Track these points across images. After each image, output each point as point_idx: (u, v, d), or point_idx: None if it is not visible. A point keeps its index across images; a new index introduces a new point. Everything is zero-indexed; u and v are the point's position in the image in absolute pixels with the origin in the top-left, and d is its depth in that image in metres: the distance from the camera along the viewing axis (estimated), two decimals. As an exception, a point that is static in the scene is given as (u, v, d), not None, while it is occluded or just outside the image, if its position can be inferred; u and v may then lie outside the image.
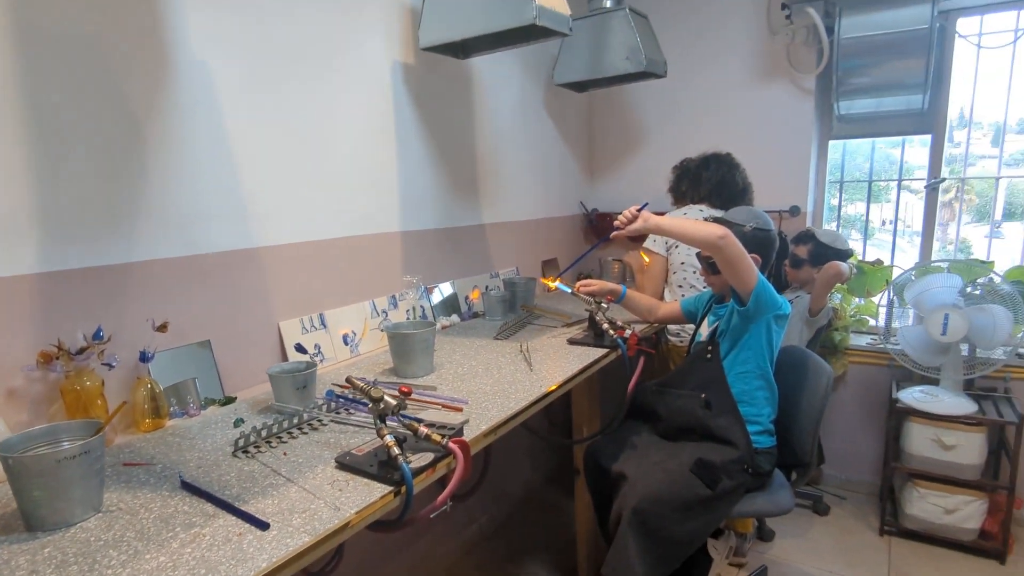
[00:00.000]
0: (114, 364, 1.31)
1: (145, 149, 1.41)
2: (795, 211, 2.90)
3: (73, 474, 0.96)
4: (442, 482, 1.17)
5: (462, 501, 2.39)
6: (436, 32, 1.95)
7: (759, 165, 2.70)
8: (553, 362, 1.77)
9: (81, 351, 1.26)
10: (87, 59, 1.30)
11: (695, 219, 1.85)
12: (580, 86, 2.91)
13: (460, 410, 1.40)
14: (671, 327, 2.39)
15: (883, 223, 3.09)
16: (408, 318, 2.13)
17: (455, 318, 2.31)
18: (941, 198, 2.81)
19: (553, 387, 1.56)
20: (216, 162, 1.56)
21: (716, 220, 1.81)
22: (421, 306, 2.21)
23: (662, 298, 2.43)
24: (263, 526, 0.94)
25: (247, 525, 0.95)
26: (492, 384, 1.59)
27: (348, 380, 1.22)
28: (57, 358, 1.24)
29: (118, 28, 1.34)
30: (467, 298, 2.46)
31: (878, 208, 3.06)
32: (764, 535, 2.59)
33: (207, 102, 1.53)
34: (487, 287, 2.52)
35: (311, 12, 1.78)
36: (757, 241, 1.76)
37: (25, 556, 0.89)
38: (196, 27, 1.49)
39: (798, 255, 2.61)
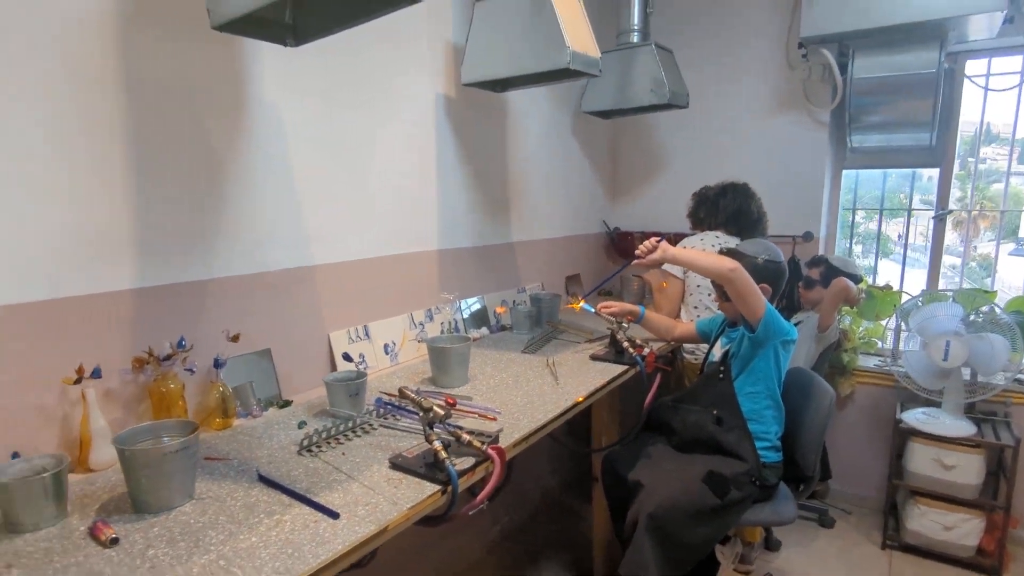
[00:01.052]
0: (194, 370, 1.49)
1: (224, 179, 1.60)
2: (808, 236, 3.04)
3: (174, 466, 1.14)
4: (471, 486, 1.33)
5: (490, 502, 2.55)
6: (477, 71, 2.12)
7: (774, 192, 2.84)
8: (577, 377, 1.93)
9: (168, 358, 1.45)
10: (179, 103, 1.49)
11: (709, 251, 2.00)
12: (605, 114, 3.08)
13: (494, 419, 1.57)
14: (686, 345, 2.54)
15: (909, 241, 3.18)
16: (443, 331, 2.30)
17: (485, 331, 2.48)
18: (965, 215, 2.92)
19: (579, 400, 1.72)
20: (281, 189, 1.75)
21: (729, 251, 1.96)
22: (455, 319, 2.39)
23: (678, 318, 2.57)
24: (334, 515, 1.11)
25: (320, 514, 1.12)
26: (522, 396, 1.76)
27: (400, 391, 1.39)
28: (148, 363, 1.43)
29: (204, 75, 1.53)
30: (495, 312, 2.63)
31: (902, 225, 3.16)
32: (771, 545, 2.72)
33: (276, 137, 1.72)
34: (514, 302, 2.68)
35: (368, 52, 1.96)
36: (767, 272, 1.91)
37: (139, 533, 1.06)
38: (270, 71, 1.68)
39: (811, 277, 2.75)
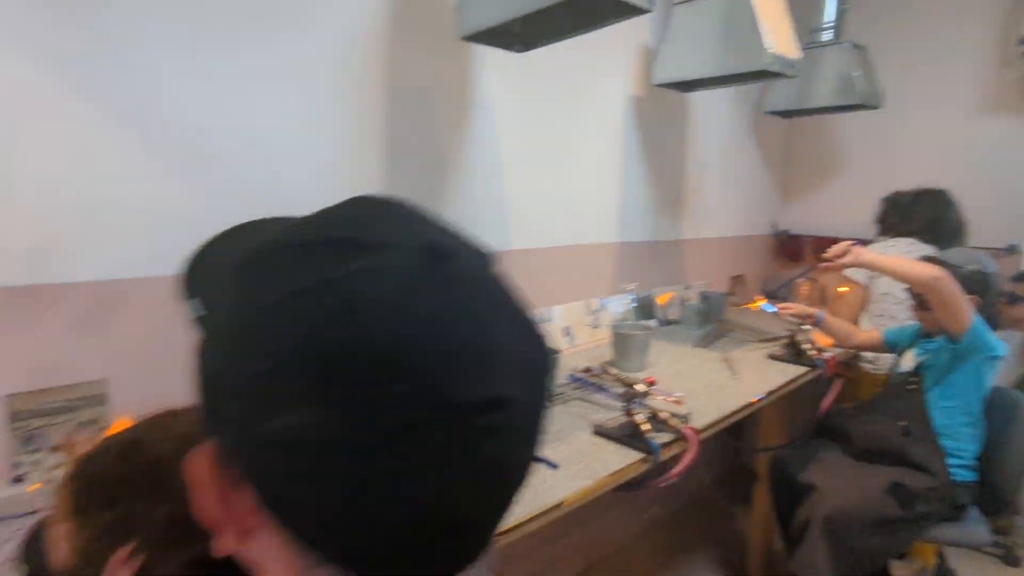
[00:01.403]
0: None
1: (446, 170, 1.82)
2: (1012, 250, 2.79)
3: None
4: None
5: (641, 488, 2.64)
6: (669, 71, 2.20)
7: (974, 200, 2.63)
8: (756, 374, 1.96)
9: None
10: (420, 104, 1.72)
11: (907, 258, 1.93)
12: (787, 113, 3.02)
13: (681, 403, 1.66)
14: (865, 354, 2.45)
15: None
16: (614, 320, 2.42)
17: (653, 323, 2.56)
18: None
19: (753, 401, 1.76)
20: (490, 180, 1.95)
21: (931, 259, 1.89)
22: (627, 309, 2.49)
23: (855, 325, 2.49)
24: (554, 466, 1.27)
25: (541, 464, 1.28)
26: (702, 386, 1.83)
27: (603, 367, 1.53)
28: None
29: (438, 81, 1.76)
30: (658, 304, 2.69)
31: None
32: (943, 574, 2.56)
33: (490, 133, 1.92)
34: (684, 298, 2.73)
35: (570, 55, 2.10)
36: (975, 283, 1.82)
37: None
38: (488, 75, 1.88)
39: (1016, 292, 2.53)
